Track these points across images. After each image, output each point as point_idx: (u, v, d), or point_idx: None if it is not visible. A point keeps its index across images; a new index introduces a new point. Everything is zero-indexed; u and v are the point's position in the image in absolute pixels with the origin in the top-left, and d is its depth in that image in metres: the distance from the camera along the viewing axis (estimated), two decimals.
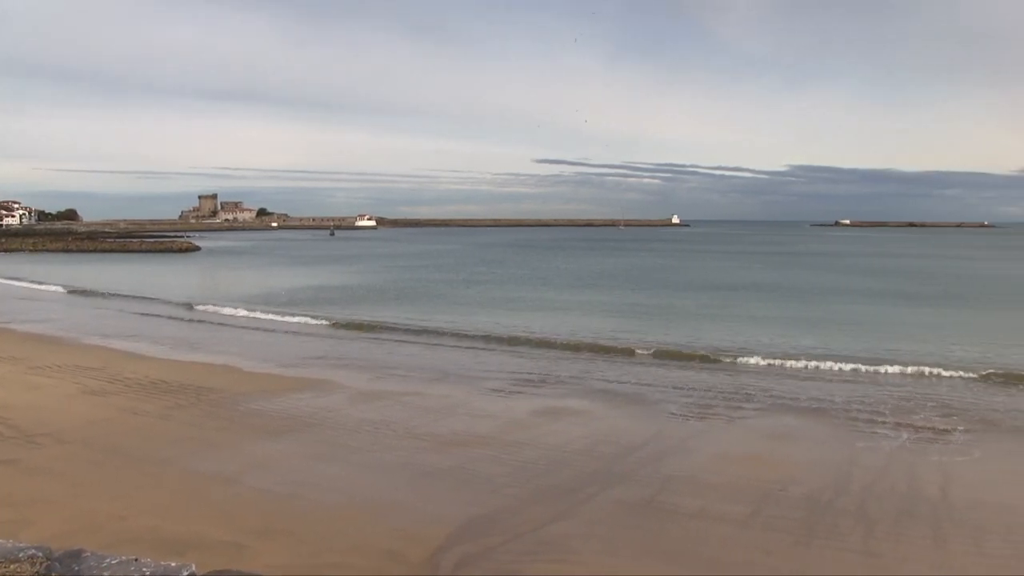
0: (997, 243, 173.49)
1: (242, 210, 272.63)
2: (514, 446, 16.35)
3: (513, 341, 30.73)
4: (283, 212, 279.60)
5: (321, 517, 12.01)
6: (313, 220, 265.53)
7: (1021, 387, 22.45)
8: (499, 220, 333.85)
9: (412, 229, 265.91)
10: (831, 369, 25.22)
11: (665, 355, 27.47)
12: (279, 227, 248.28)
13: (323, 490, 13.42)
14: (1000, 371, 24.54)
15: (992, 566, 10.71)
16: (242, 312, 38.92)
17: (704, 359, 26.72)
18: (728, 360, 26.57)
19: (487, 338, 31.36)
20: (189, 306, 41.98)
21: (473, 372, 24.88)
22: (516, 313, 40.45)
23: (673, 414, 19.50)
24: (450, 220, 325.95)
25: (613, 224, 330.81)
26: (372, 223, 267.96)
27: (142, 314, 39.44)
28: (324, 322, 35.68)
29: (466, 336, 31.81)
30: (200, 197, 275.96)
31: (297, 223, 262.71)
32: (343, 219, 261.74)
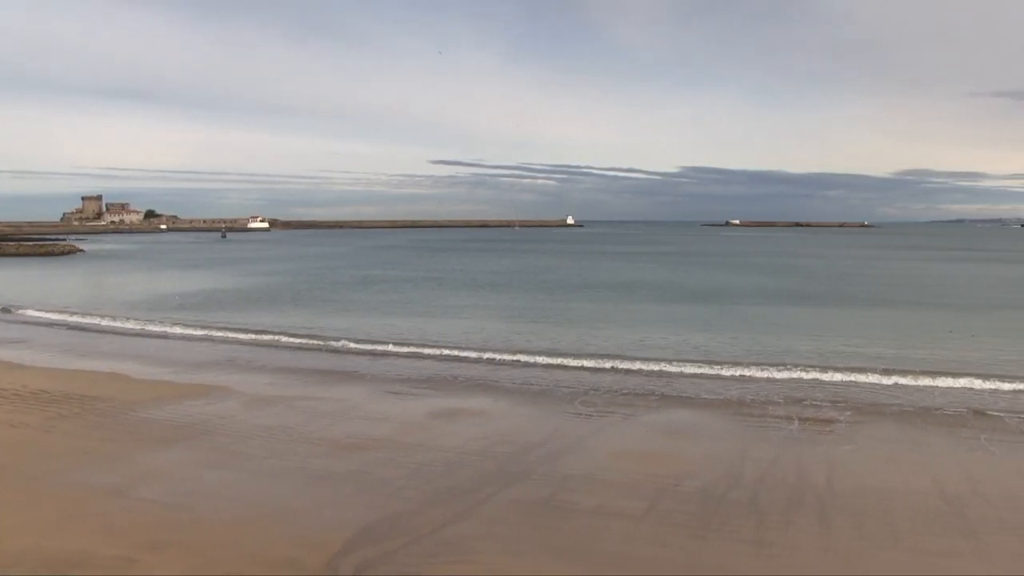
0: (876, 242, 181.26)
1: (129, 212, 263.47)
2: (411, 448, 16.26)
3: (408, 344, 30.47)
4: (172, 214, 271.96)
5: (215, 527, 11.72)
6: (204, 222, 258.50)
7: (901, 378, 23.39)
8: (395, 222, 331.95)
9: (306, 231, 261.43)
10: (722, 365, 25.79)
11: (558, 355, 27.64)
12: (168, 229, 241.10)
13: (217, 499, 13.10)
14: (882, 364, 25.66)
15: (870, 547, 11.24)
16: (130, 324, 37.48)
17: (597, 358, 26.96)
18: (621, 360, 26.88)
19: (383, 341, 31.01)
20: (69, 312, 40.38)
21: (368, 375, 24.59)
22: (411, 316, 40.20)
23: (569, 413, 19.68)
24: (345, 222, 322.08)
25: (508, 225, 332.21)
26: (265, 225, 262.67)
27: (23, 322, 37.75)
28: (218, 329, 34.71)
29: (361, 340, 31.37)
30: (84, 198, 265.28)
31: (187, 225, 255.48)
32: (235, 221, 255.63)
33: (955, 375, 23.62)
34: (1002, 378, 23.32)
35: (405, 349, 29.06)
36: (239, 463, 15.22)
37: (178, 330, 34.47)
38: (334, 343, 30.42)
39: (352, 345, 29.75)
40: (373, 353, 28.32)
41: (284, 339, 31.83)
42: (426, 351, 28.77)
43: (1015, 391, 21.67)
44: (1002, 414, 19.54)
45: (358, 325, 36.20)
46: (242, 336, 32.57)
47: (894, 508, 12.83)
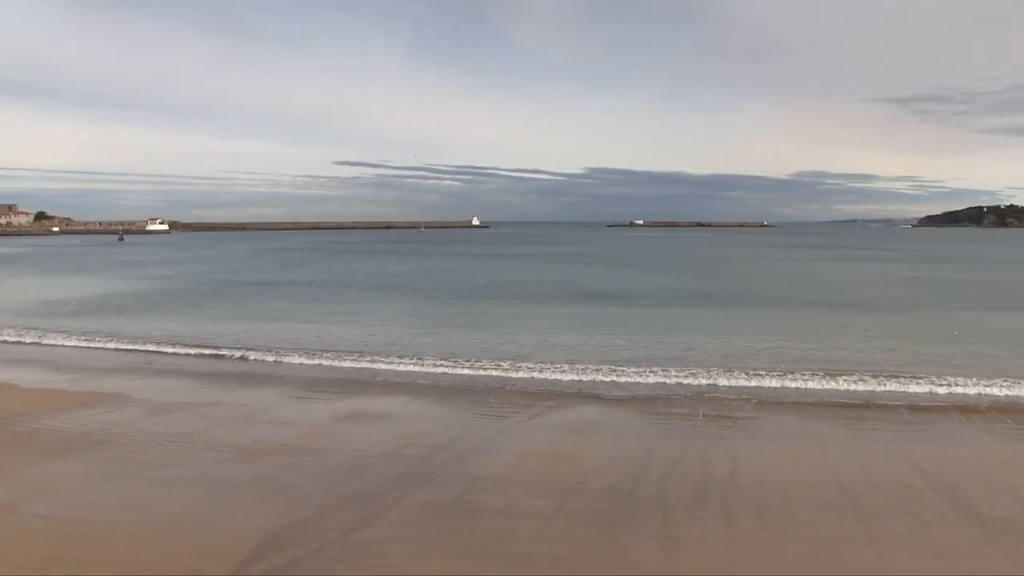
0: (775, 241, 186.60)
1: (16, 213, 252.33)
2: (317, 452, 16.04)
3: (311, 349, 29.97)
4: (66, 216, 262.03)
5: (114, 541, 11.34)
6: (100, 224, 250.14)
7: (798, 374, 24.09)
8: (299, 223, 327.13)
9: (208, 233, 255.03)
10: (627, 365, 26.16)
11: (464, 357, 27.54)
12: (61, 232, 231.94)
13: (115, 511, 12.67)
14: (780, 361, 26.49)
15: (772, 538, 11.60)
16: (19, 331, 35.91)
17: (503, 360, 26.98)
18: (529, 361, 26.98)
19: (286, 348, 30.45)
20: None
21: (272, 380, 24.13)
22: (314, 320, 39.52)
23: (477, 414, 19.67)
24: (248, 223, 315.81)
25: (414, 226, 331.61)
26: (165, 227, 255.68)
27: None
28: (114, 335, 33.52)
29: (261, 348, 30.73)
30: None
31: (82, 227, 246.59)
32: (133, 223, 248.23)
33: (848, 371, 24.47)
34: (891, 372, 24.28)
35: (309, 355, 28.49)
36: (138, 472, 14.76)
37: (72, 337, 33.11)
38: (236, 349, 29.67)
39: (253, 351, 29.05)
40: (277, 359, 27.65)
41: (184, 346, 30.86)
42: (330, 356, 28.28)
43: (902, 383, 22.52)
44: (890, 404, 20.36)
45: (260, 330, 35.42)
46: (140, 343, 31.45)
47: (794, 499, 13.26)
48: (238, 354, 28.48)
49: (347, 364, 26.55)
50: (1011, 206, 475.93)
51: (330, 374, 25.02)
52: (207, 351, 29.29)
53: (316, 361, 27.04)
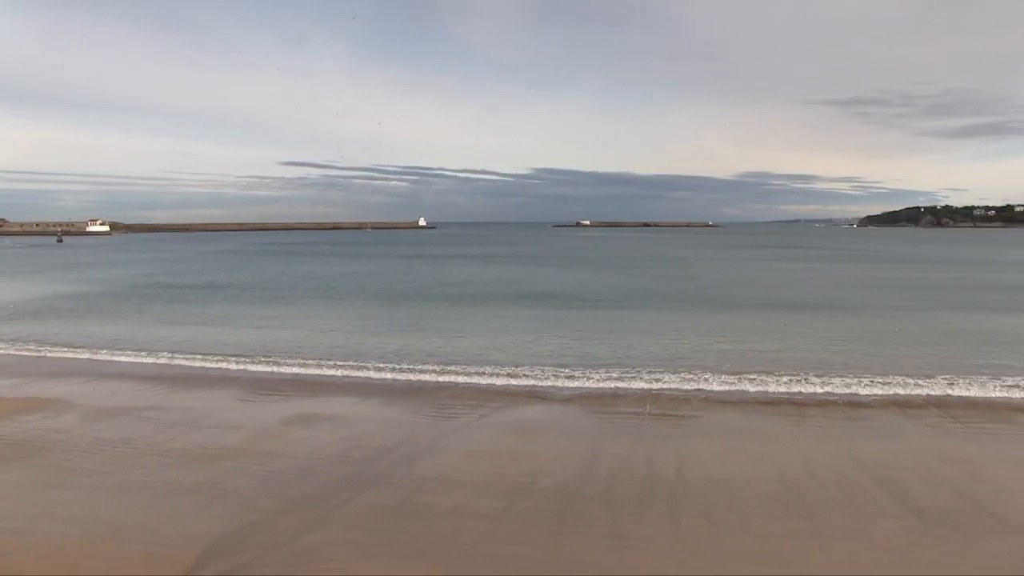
0: (720, 241, 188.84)
1: None
2: (264, 456, 15.86)
3: (257, 352, 29.66)
4: (0, 216, 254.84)
5: (54, 551, 11.09)
6: (37, 225, 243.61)
7: (743, 373, 24.41)
8: (244, 224, 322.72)
9: (151, 234, 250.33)
10: (574, 367, 26.28)
11: (411, 360, 27.45)
12: None
13: (56, 520, 12.37)
14: (726, 360, 26.85)
15: (719, 534, 11.73)
16: None
17: (450, 363, 26.89)
18: (476, 364, 26.96)
19: (232, 350, 30.05)
20: None
21: (219, 383, 23.76)
22: (258, 324, 39.06)
23: (424, 416, 19.56)
24: (192, 225, 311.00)
25: (361, 227, 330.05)
26: (106, 228, 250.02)
27: None
28: (53, 340, 32.77)
29: (208, 351, 30.30)
30: None
31: (18, 229, 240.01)
32: (72, 224, 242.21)
33: (792, 370, 24.88)
34: (833, 370, 24.76)
35: (255, 359, 28.12)
36: (80, 480, 14.44)
37: (9, 342, 32.27)
38: (180, 353, 29.18)
39: (198, 356, 28.60)
40: (224, 363, 27.22)
41: (127, 351, 30.25)
42: (276, 359, 27.94)
43: (844, 380, 22.92)
44: (833, 401, 20.72)
45: (204, 334, 34.81)
46: (81, 348, 30.76)
47: (740, 495, 13.43)
48: (182, 358, 27.99)
49: (294, 367, 26.22)
50: (947, 207, 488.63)
51: (277, 377, 24.71)
52: (150, 356, 28.71)
53: (263, 364, 26.67)
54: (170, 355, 28.62)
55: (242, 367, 26.36)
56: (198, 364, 27.06)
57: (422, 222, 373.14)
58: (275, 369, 25.96)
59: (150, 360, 27.86)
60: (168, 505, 13.11)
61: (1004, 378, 23.17)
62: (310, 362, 27.02)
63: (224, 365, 26.72)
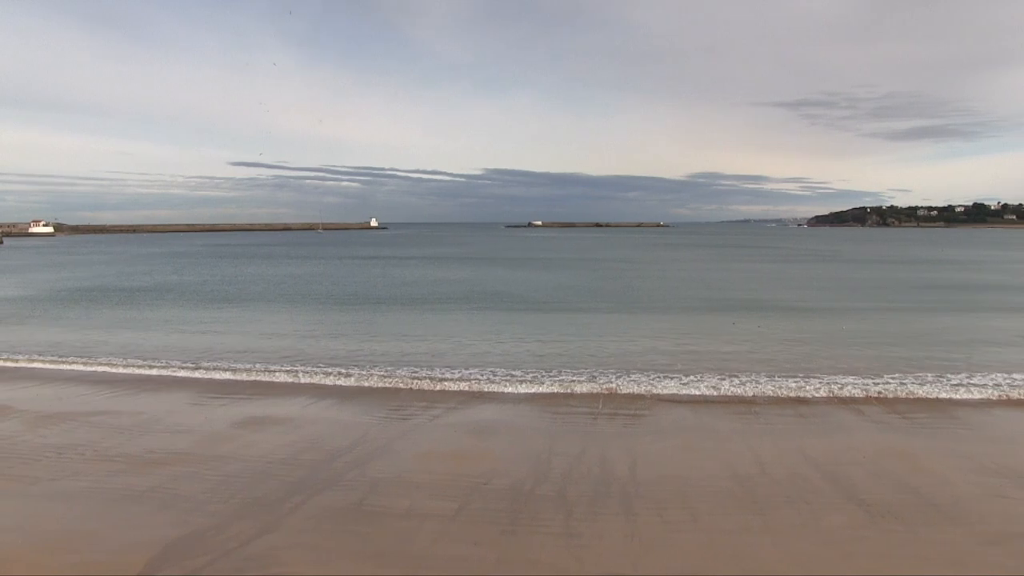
0: (672, 241, 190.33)
1: None
2: (216, 460, 15.66)
3: (207, 355, 29.31)
4: None
5: None
6: None
7: (695, 372, 24.68)
8: (194, 226, 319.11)
9: (97, 236, 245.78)
10: (527, 365, 26.36)
11: (360, 362, 27.36)
12: None
13: None
14: (679, 360, 27.13)
15: (671, 531, 11.84)
16: None
17: (400, 363, 26.82)
18: (428, 368, 26.95)
19: (181, 354, 29.67)
20: None
21: (168, 387, 23.39)
22: (208, 325, 38.62)
23: (377, 417, 19.45)
24: (140, 226, 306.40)
25: (312, 228, 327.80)
26: (49, 230, 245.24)
27: None
28: None
29: (157, 355, 29.88)
30: None
31: None
32: (13, 225, 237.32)
33: (743, 368, 25.30)
34: (782, 368, 25.19)
35: (205, 362, 27.79)
36: (23, 488, 14.11)
37: None
38: (128, 358, 28.71)
39: (147, 360, 28.17)
40: (173, 367, 26.82)
41: (71, 356, 29.68)
42: (227, 362, 27.63)
43: (794, 378, 23.31)
44: (783, 399, 21.04)
45: (152, 338, 34.23)
46: (23, 354, 30.11)
47: (692, 492, 13.57)
48: (131, 363, 27.53)
49: (245, 370, 25.90)
50: (892, 207, 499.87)
51: (229, 381, 24.38)
52: (97, 360, 28.20)
53: (214, 368, 26.32)
54: (118, 360, 28.15)
55: (192, 371, 25.99)
56: (147, 368, 26.61)
57: (374, 223, 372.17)
58: (226, 373, 25.61)
59: (97, 365, 27.33)
60: (117, 512, 12.87)
61: (948, 375, 23.75)
62: (261, 365, 26.73)
63: (174, 369, 26.31)
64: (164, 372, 25.90)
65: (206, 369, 26.21)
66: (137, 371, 26.17)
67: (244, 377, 24.87)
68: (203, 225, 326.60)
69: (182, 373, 25.76)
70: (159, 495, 13.63)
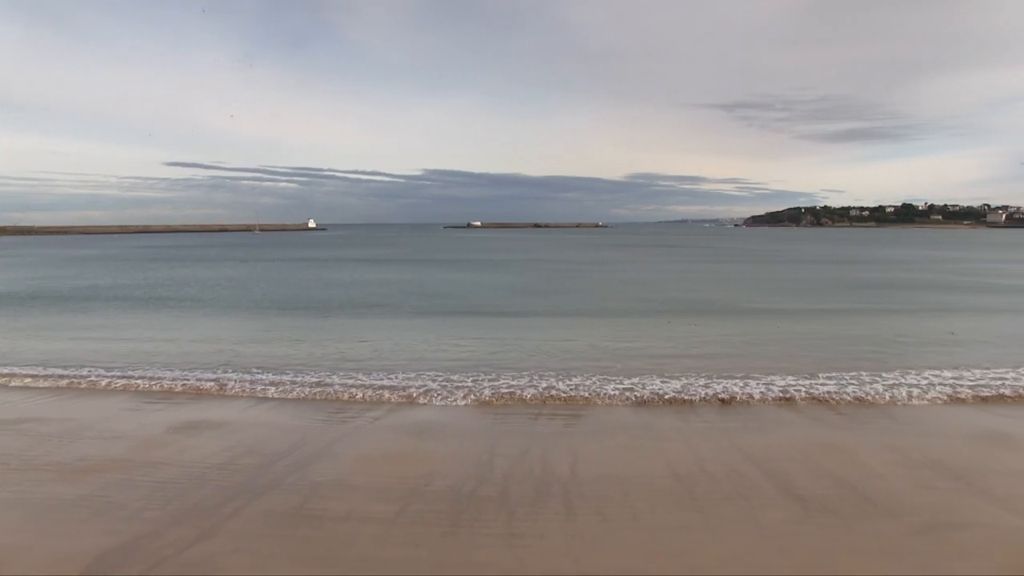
0: (611, 242, 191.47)
1: None
2: (150, 466, 15.33)
3: (139, 361, 28.69)
4: None
5: None
6: None
7: (636, 374, 24.91)
8: (126, 227, 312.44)
9: (24, 238, 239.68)
10: (468, 367, 26.33)
11: (297, 365, 27.09)
12: None
13: None
14: (618, 361, 27.34)
15: (612, 529, 11.92)
16: None
17: (338, 367, 26.56)
18: (366, 367, 26.78)
19: (112, 359, 29.01)
20: None
21: (99, 393, 22.85)
22: (141, 330, 37.81)
23: (316, 420, 19.23)
24: (70, 227, 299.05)
25: (248, 229, 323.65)
26: None
27: None
28: None
29: (87, 362, 29.17)
30: None
31: None
32: None
33: (683, 368, 25.57)
34: (719, 367, 25.55)
35: (136, 370, 27.21)
36: None
37: None
38: (57, 367, 27.96)
39: (77, 367, 27.47)
40: (105, 374, 26.16)
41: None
42: (159, 368, 27.08)
43: (731, 377, 23.63)
44: (721, 397, 21.28)
45: (81, 346, 33.29)
46: None
47: (633, 491, 13.66)
48: (61, 369, 26.80)
49: (181, 375, 25.39)
50: (825, 207, 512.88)
51: (164, 386, 23.82)
52: (24, 367, 27.42)
53: (149, 373, 25.75)
54: (46, 366, 27.39)
55: (126, 376, 25.34)
56: (78, 374, 25.89)
57: (312, 224, 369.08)
58: (161, 377, 25.04)
59: (24, 371, 26.54)
60: (47, 522, 12.52)
61: (883, 374, 24.29)
62: (197, 370, 26.24)
63: (106, 375, 25.65)
64: (95, 377, 25.23)
65: (140, 375, 25.60)
66: (66, 373, 25.47)
67: (180, 382, 24.35)
68: (136, 226, 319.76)
69: (118, 376, 25.13)
70: (92, 503, 13.31)
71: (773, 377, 23.55)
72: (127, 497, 13.60)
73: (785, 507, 12.88)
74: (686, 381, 23.15)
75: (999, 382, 22.92)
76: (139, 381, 24.33)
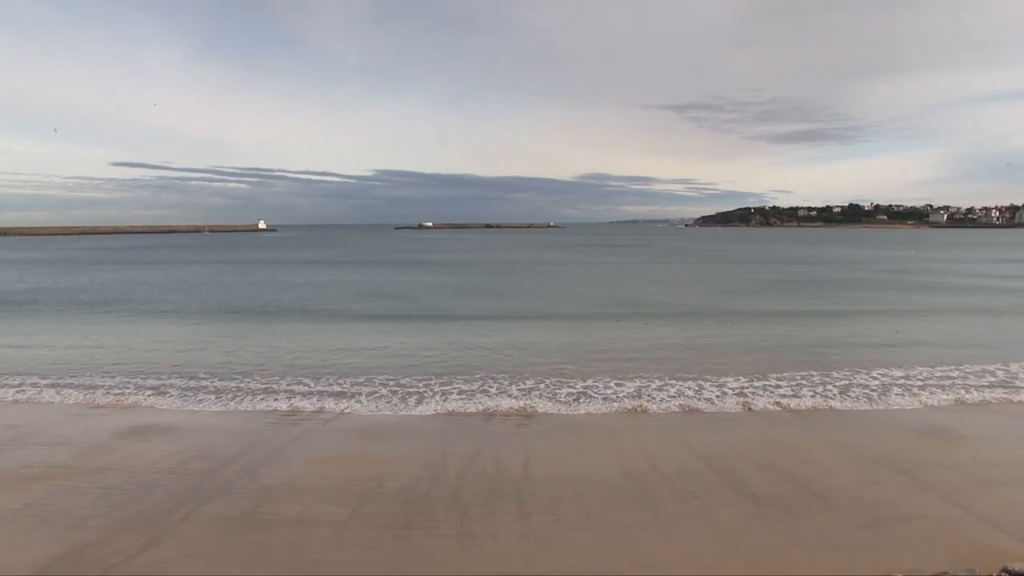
0: (562, 242, 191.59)
1: None
2: (97, 472, 15.06)
3: (86, 366, 28.13)
4: None
5: None
6: None
7: (591, 375, 25.02)
8: (71, 228, 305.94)
9: None
10: (419, 374, 26.25)
11: (247, 370, 26.80)
12: None
13: None
14: (567, 360, 27.42)
15: (565, 529, 11.98)
16: None
17: (284, 372, 26.21)
18: (315, 370, 26.60)
19: (57, 365, 28.40)
20: None
21: (44, 400, 22.36)
22: (85, 336, 37.09)
23: (266, 423, 19.05)
24: (11, 229, 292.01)
25: (198, 230, 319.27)
26: None
27: None
28: None
29: (33, 366, 28.52)
30: None
31: None
32: None
33: (630, 369, 25.76)
34: (670, 366, 25.77)
35: (86, 373, 26.67)
36: None
37: None
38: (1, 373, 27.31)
39: (21, 373, 26.84)
40: (50, 381, 25.58)
41: None
42: (104, 375, 26.55)
43: (680, 378, 23.87)
44: (672, 398, 21.46)
45: (22, 352, 32.51)
46: None
47: (586, 491, 13.74)
48: (4, 377, 26.14)
49: (129, 380, 24.91)
50: (774, 207, 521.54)
51: (111, 391, 23.31)
52: None
53: (95, 379, 25.23)
54: None
55: (73, 382, 24.83)
56: (23, 382, 25.27)
57: (262, 225, 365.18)
58: (108, 383, 24.56)
59: None
60: None
61: (833, 373, 24.74)
62: (145, 374, 25.79)
63: (52, 381, 25.10)
64: (41, 382, 24.68)
65: (86, 381, 25.09)
66: (8, 385, 24.86)
67: (128, 383, 23.92)
68: (81, 227, 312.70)
69: (64, 382, 24.60)
70: (36, 512, 13.02)
71: (726, 379, 23.77)
72: (73, 504, 13.34)
73: (736, 504, 13.04)
74: (639, 383, 23.27)
75: (944, 380, 23.49)
76: (79, 391, 23.83)
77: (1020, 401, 21.10)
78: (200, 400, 21.79)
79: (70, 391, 23.22)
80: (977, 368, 25.24)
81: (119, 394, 22.64)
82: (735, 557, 10.92)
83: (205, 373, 25.68)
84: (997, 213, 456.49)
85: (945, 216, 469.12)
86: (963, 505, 13.01)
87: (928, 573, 10.18)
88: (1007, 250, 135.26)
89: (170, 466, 15.45)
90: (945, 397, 21.44)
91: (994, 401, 21.12)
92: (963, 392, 21.99)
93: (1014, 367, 25.45)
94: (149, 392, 22.88)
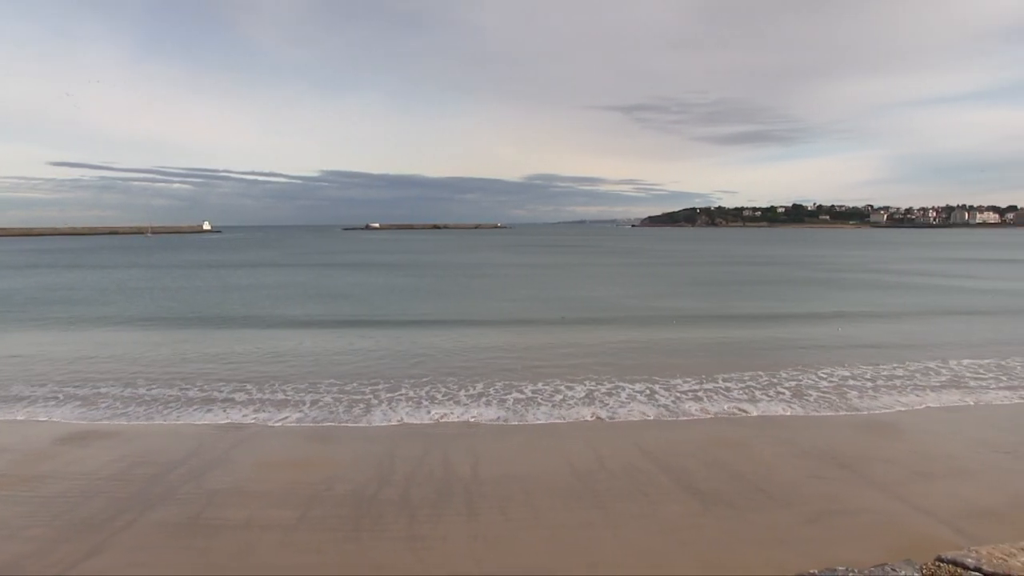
0: (509, 242, 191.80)
1: None
2: (35, 481, 14.69)
3: (23, 373, 27.47)
4: None
5: None
6: None
7: (542, 376, 25.12)
8: (7, 230, 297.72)
9: None
10: (365, 377, 26.12)
11: (191, 376, 26.45)
12: None
13: None
14: (517, 357, 27.50)
15: (515, 529, 12.02)
16: None
17: (229, 377, 25.93)
18: (259, 375, 26.36)
19: None
20: None
21: None
22: (23, 341, 36.29)
23: (212, 427, 18.80)
24: None
25: (140, 232, 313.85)
26: None
27: None
28: None
29: None
30: None
31: None
32: None
33: (580, 367, 25.95)
34: (619, 367, 25.99)
35: (22, 379, 26.04)
36: None
37: None
38: None
39: None
40: None
41: None
42: (47, 379, 25.98)
43: (630, 376, 24.08)
44: (623, 396, 21.63)
45: None
46: None
47: (534, 490, 13.79)
48: None
49: (69, 387, 24.36)
50: (720, 208, 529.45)
51: (50, 397, 22.79)
52: None
53: (33, 387, 24.62)
54: None
55: (9, 390, 24.20)
56: None
57: (206, 226, 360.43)
58: (47, 389, 23.99)
59: None
60: None
61: (780, 372, 25.16)
62: (85, 379, 25.26)
63: None
64: None
65: (26, 385, 24.51)
66: None
67: (68, 390, 23.39)
68: (17, 229, 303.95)
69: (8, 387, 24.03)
70: None
71: (674, 379, 23.96)
72: (9, 515, 12.99)
73: (683, 501, 13.19)
74: (590, 386, 23.37)
75: (890, 378, 24.06)
76: (24, 389, 23.26)
77: (959, 397, 21.65)
78: (145, 404, 21.35)
79: (4, 394, 22.62)
80: (919, 366, 25.81)
81: (60, 399, 22.10)
82: (684, 554, 11.04)
83: (144, 380, 25.13)
84: (934, 213, 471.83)
85: (885, 216, 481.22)
86: (901, 497, 13.32)
87: (869, 564, 10.38)
88: (943, 249, 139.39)
89: (112, 472, 15.16)
90: (888, 395, 21.91)
91: (933, 397, 21.62)
92: (905, 389, 22.51)
93: (953, 364, 26.10)
94: (91, 397, 22.38)
